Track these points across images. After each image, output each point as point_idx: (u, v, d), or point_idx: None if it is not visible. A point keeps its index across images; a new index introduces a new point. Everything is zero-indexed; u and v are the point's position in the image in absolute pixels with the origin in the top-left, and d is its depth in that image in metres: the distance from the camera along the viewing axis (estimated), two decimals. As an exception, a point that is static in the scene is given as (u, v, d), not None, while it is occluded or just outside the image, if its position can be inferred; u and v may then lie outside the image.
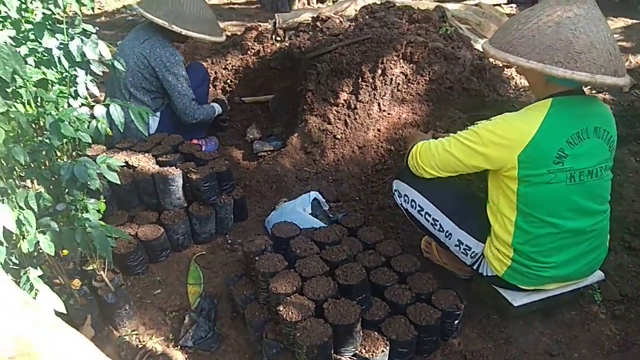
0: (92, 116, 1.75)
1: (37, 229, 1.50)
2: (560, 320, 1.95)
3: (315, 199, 2.51)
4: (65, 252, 1.92)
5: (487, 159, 1.64)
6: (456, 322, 1.85)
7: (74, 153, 1.87)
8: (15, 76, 1.44)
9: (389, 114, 2.87)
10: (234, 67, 3.47)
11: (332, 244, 1.97)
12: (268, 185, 2.71)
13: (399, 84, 2.85)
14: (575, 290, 1.91)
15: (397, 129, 2.85)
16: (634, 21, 5.14)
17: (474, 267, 1.87)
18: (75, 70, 1.80)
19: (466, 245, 1.84)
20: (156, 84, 2.69)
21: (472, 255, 1.84)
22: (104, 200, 1.80)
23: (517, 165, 1.58)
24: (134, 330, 1.94)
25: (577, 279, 1.82)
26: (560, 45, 1.49)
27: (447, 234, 1.88)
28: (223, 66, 3.46)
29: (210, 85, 3.39)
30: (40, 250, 1.56)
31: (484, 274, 1.84)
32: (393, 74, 2.82)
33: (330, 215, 2.48)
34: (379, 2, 3.50)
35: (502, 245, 1.72)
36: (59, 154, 1.80)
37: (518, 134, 1.57)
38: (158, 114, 2.79)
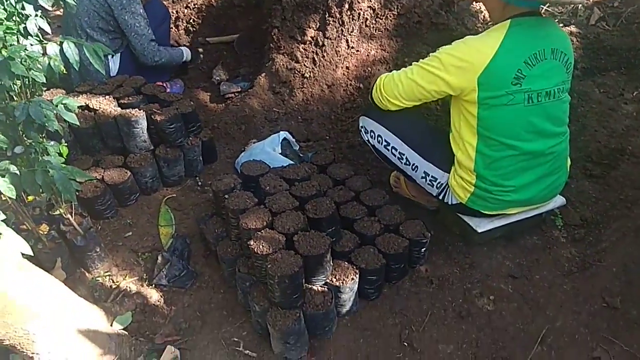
0: (45, 55, 1.66)
1: (-5, 173, 1.46)
2: (523, 245, 2.03)
3: (285, 138, 2.50)
4: (30, 197, 1.88)
5: (448, 84, 1.65)
6: (423, 250, 1.91)
7: (29, 95, 1.80)
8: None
9: (357, 50, 2.82)
10: (196, 6, 3.32)
11: (302, 181, 1.98)
12: (237, 126, 2.68)
13: (367, 19, 2.79)
14: (538, 215, 1.99)
15: (366, 66, 2.82)
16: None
17: (440, 197, 1.91)
18: (22, 7, 1.69)
19: (432, 176, 1.88)
20: (114, 23, 2.56)
21: (438, 185, 1.88)
22: (66, 145, 1.75)
23: (477, 87, 1.60)
24: (106, 272, 1.94)
25: (538, 203, 1.88)
26: None
27: (413, 166, 1.91)
28: (185, 5, 3.31)
29: (172, 26, 3.26)
30: (3, 197, 1.52)
31: (449, 203, 1.89)
32: (361, 9, 2.74)
33: (301, 155, 2.48)
34: None
35: (465, 172, 1.76)
36: (13, 96, 1.73)
37: (477, 56, 1.59)
38: (118, 55, 2.68)
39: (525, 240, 2.05)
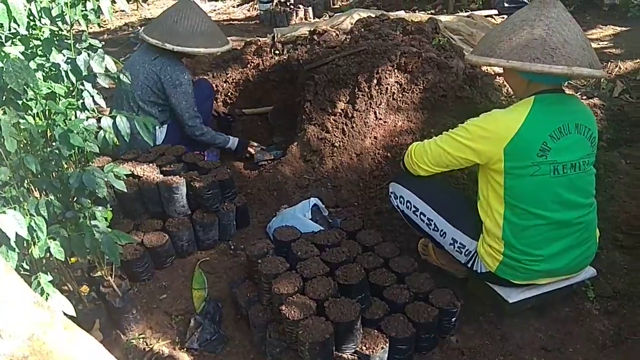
0: (99, 127, 1.82)
1: (47, 236, 1.57)
2: (555, 316, 2.01)
3: (315, 204, 2.58)
4: (73, 259, 1.98)
5: (475, 152, 1.73)
6: (453, 319, 1.91)
7: (81, 163, 1.95)
8: (27, 89, 1.52)
9: (385, 122, 2.95)
10: (234, 80, 3.56)
11: (332, 246, 2.03)
12: (269, 192, 2.78)
13: (394, 93, 2.93)
14: (568, 287, 1.97)
15: (393, 136, 2.93)
16: (622, 29, 5.26)
17: (468, 264, 1.93)
18: (82, 84, 1.88)
19: (460, 243, 1.91)
20: (164, 97, 2.80)
21: (466, 253, 1.91)
22: (111, 209, 1.88)
23: (503, 157, 1.67)
24: (141, 334, 1.99)
25: (568, 273, 1.88)
26: (536, 43, 1.62)
27: (441, 232, 1.95)
28: (224, 79, 3.56)
29: (212, 99, 3.48)
30: (50, 257, 1.62)
31: (478, 271, 1.91)
32: (388, 84, 2.90)
33: (330, 221, 2.54)
34: (374, 16, 3.61)
35: (493, 240, 1.79)
36: (67, 164, 1.87)
37: (504, 128, 1.68)
38: (165, 126, 2.88)
39: (557, 312, 2.02)
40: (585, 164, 1.74)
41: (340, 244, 2.08)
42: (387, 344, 1.73)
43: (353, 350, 1.72)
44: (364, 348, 1.72)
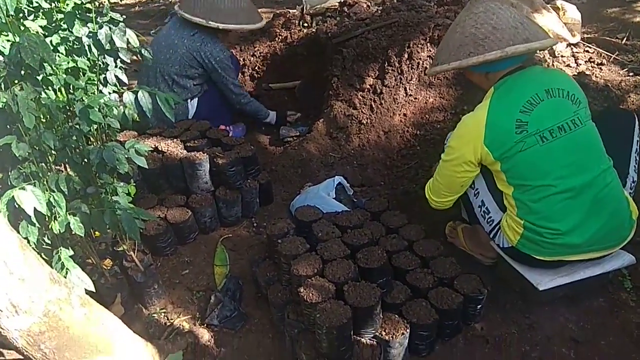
0: (122, 103, 1.80)
1: (67, 211, 1.58)
2: (587, 306, 1.91)
3: (339, 183, 2.52)
4: (97, 233, 2.00)
5: (465, 159, 1.78)
6: (479, 306, 1.84)
7: (104, 138, 1.94)
8: (45, 64, 1.50)
9: (415, 98, 2.84)
10: (261, 54, 3.49)
11: (354, 228, 1.98)
12: (293, 170, 2.74)
13: (426, 67, 2.81)
14: (604, 275, 1.86)
15: (423, 113, 2.82)
16: None
17: (491, 235, 1.90)
18: (104, 58, 1.86)
19: (486, 208, 1.89)
20: (201, 71, 2.79)
21: (489, 220, 1.88)
22: (135, 184, 1.87)
23: (488, 150, 1.72)
24: (162, 309, 2.01)
25: (597, 250, 1.76)
26: (467, 40, 1.75)
27: (476, 191, 1.92)
28: (251, 53, 3.50)
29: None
30: (73, 232, 1.63)
31: (501, 246, 1.87)
32: (420, 58, 2.78)
33: (355, 200, 2.49)
34: (407, -15, 3.44)
35: (512, 218, 1.79)
36: (91, 139, 1.87)
37: (473, 126, 1.75)
38: (196, 99, 2.88)
39: (590, 302, 1.92)
40: (574, 123, 1.70)
41: (363, 225, 2.03)
42: (408, 330, 1.68)
43: (372, 335, 1.68)
44: (383, 333, 1.67)
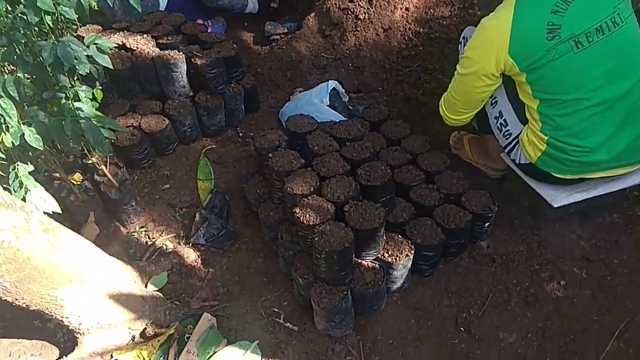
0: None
1: (21, 121, 1.33)
2: (600, 223, 1.79)
3: (333, 88, 2.28)
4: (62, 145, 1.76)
5: (486, 72, 1.55)
6: (487, 224, 1.71)
7: (63, 34, 1.63)
8: None
9: (419, -10, 2.50)
10: None
11: (353, 140, 1.77)
12: (282, 72, 2.47)
13: (433, -48, 2.44)
14: (621, 190, 1.72)
15: (428, 7, 2.50)
16: None
17: (506, 150, 1.72)
18: None
19: (504, 120, 1.68)
20: None
21: (506, 134, 1.69)
22: (101, 88, 1.60)
23: (513, 62, 1.48)
24: (142, 227, 1.84)
25: (623, 166, 1.61)
26: None
27: (493, 99, 1.69)
28: None
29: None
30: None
31: (517, 162, 1.70)
32: (427, -59, 2.40)
33: (351, 108, 2.26)
34: None
35: (534, 134, 1.58)
36: (47, 35, 1.56)
37: (496, 34, 1.49)
38: None
39: (603, 218, 1.80)
40: (613, 22, 1.45)
41: (362, 137, 1.82)
42: (412, 251, 1.55)
43: (374, 257, 1.54)
44: (386, 255, 1.54)
